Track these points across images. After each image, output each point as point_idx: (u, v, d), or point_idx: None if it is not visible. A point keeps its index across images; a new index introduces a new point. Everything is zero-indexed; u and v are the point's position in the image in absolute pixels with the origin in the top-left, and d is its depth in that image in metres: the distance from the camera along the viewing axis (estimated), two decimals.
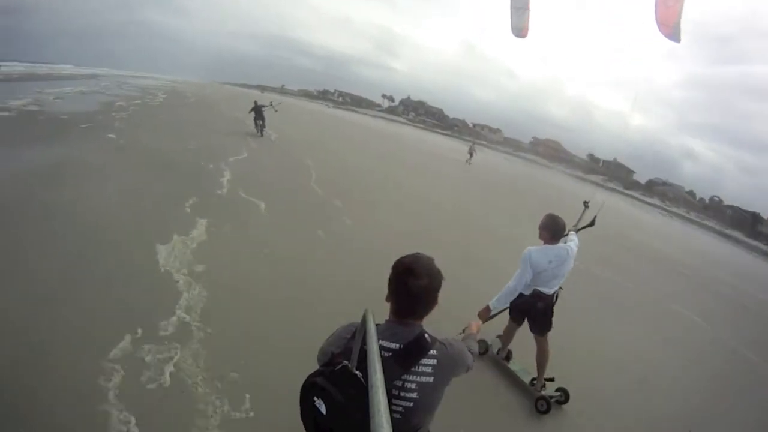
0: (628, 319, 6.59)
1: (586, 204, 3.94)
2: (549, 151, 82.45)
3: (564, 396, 3.57)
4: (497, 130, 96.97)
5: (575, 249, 3.29)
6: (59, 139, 10.47)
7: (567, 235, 3.42)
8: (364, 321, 1.23)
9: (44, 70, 37.20)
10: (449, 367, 1.39)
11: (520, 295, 3.32)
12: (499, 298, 3.24)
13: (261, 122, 15.93)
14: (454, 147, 42.91)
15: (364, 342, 1.19)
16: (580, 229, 3.74)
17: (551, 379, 3.58)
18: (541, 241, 3.29)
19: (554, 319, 3.48)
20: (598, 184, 49.26)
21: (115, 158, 9.56)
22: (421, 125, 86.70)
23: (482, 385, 3.65)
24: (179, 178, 8.83)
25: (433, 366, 1.35)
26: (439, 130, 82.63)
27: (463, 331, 1.98)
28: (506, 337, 3.81)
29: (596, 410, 3.74)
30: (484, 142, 71.19)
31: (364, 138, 28.83)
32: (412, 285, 1.35)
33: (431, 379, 1.34)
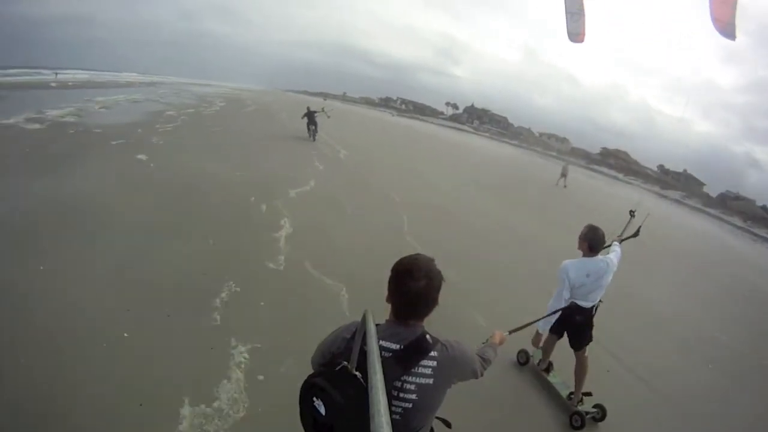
0: (686, 350, 5.51)
1: (632, 213, 3.84)
2: (620, 163, 74.84)
3: (601, 413, 3.43)
4: (564, 140, 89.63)
5: (616, 261, 3.17)
6: (74, 163, 7.94)
7: (610, 245, 3.29)
8: (364, 321, 1.23)
9: (106, 78, 37.47)
10: (450, 368, 1.36)
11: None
12: (545, 321, 3.16)
13: (313, 127, 15.82)
14: (530, 161, 38.37)
15: (364, 342, 1.19)
16: (624, 240, 3.55)
17: (589, 394, 3.46)
18: (580, 252, 3.16)
19: (606, 335, 3.88)
20: (679, 201, 44.92)
21: (129, 197, 6.64)
22: (487, 134, 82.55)
23: (519, 395, 3.58)
24: (212, 232, 5.70)
25: (432, 368, 1.32)
26: (506, 140, 77.70)
27: (487, 341, 1.95)
28: (546, 348, 3.62)
29: None
30: (554, 153, 66.07)
31: (439, 151, 25.30)
32: (412, 286, 1.32)
33: (431, 381, 1.31)
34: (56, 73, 31.98)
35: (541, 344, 3.47)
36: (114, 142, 10.63)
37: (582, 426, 3.30)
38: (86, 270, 4.21)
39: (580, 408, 3.37)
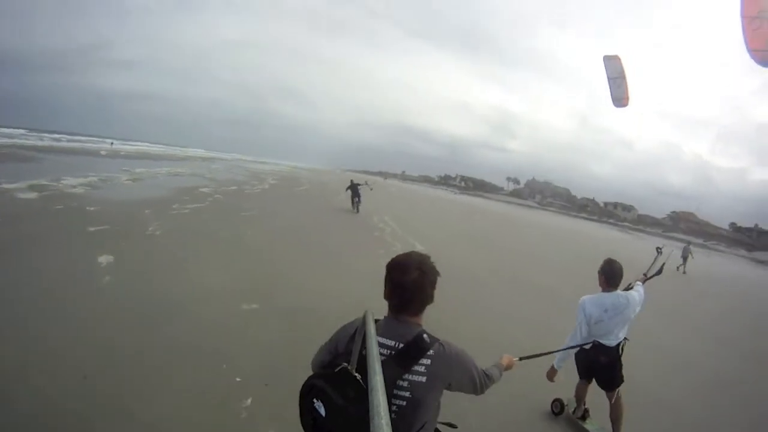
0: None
1: (658, 249, 3.80)
2: (691, 226, 70.48)
3: None
4: (630, 207, 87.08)
5: (638, 298, 3.00)
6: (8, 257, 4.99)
7: (631, 287, 3.13)
8: (364, 322, 1.23)
9: (167, 151, 38.24)
10: (442, 368, 1.31)
11: (582, 349, 3.05)
12: (561, 356, 3.03)
13: (357, 199, 15.90)
14: (610, 237, 32.62)
15: (363, 344, 1.18)
16: (648, 279, 3.42)
17: None
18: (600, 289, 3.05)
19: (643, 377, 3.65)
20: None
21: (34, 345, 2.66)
22: (553, 209, 79.04)
23: None
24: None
25: (426, 366, 1.28)
26: (574, 213, 74.20)
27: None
28: (579, 394, 3.41)
29: None
30: (627, 224, 60.37)
31: (523, 237, 20.07)
32: (402, 280, 1.31)
33: (423, 379, 1.28)
34: (112, 143, 32.16)
35: (554, 379, 3.10)
36: (92, 228, 7.25)
37: None
38: None
39: None
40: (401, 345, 1.29)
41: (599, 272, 3.00)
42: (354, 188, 15.86)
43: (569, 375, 3.31)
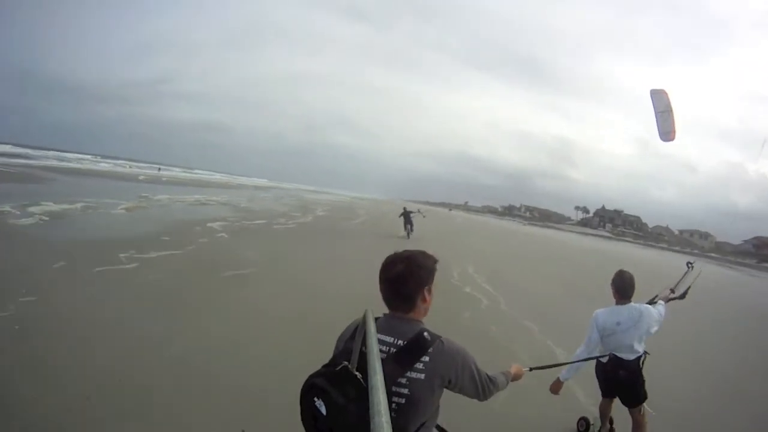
0: None
1: (689, 265, 3.52)
2: None
3: None
4: (707, 235, 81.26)
5: (655, 314, 2.88)
6: None
7: (654, 302, 3.05)
8: (364, 321, 1.20)
9: (218, 179, 37.05)
10: (441, 363, 1.29)
11: (600, 364, 3.00)
12: (569, 369, 2.96)
13: (409, 226, 15.97)
14: (728, 276, 25.83)
15: (364, 343, 1.16)
16: (671, 299, 3.20)
17: None
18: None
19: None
20: None
21: None
22: (628, 239, 72.38)
23: None
24: None
25: (425, 362, 1.27)
26: (651, 243, 66.58)
27: None
28: (603, 412, 3.30)
29: None
30: (711, 254, 53.55)
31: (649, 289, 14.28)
32: (388, 275, 1.33)
33: (422, 376, 1.26)
34: (159, 168, 31.04)
35: (559, 392, 3.03)
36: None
37: None
38: None
39: None
40: (400, 342, 1.28)
41: (611, 284, 2.92)
42: (407, 215, 16.28)
43: (595, 393, 3.18)
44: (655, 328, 2.85)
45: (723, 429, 3.83)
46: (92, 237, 7.68)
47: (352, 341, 1.24)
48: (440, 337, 1.31)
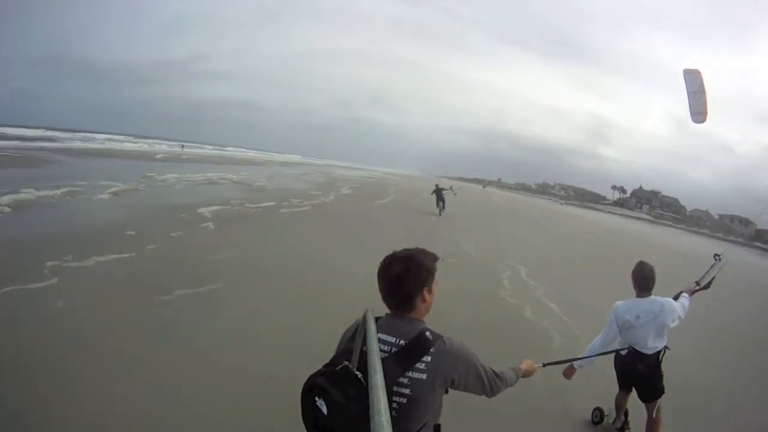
0: None
1: (716, 257, 3.41)
2: None
3: None
4: (748, 221, 73.82)
5: (677, 308, 2.79)
6: None
7: (678, 297, 2.94)
8: (364, 321, 1.23)
9: (245, 155, 36.14)
10: (443, 363, 1.27)
11: (618, 356, 2.96)
12: (583, 358, 2.91)
13: (442, 204, 16.06)
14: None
15: (364, 342, 1.18)
16: (695, 292, 3.08)
17: None
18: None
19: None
20: None
21: None
22: (666, 221, 68.70)
23: None
24: None
25: (426, 363, 1.26)
26: (693, 228, 61.75)
27: None
28: (619, 405, 3.26)
29: None
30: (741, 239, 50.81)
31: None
32: (386, 273, 1.31)
33: (424, 376, 1.25)
34: (182, 146, 30.27)
35: (572, 377, 2.96)
36: None
37: None
38: None
39: None
40: (401, 341, 1.27)
41: (631, 276, 2.87)
42: (439, 192, 16.30)
43: (611, 384, 3.15)
44: (675, 323, 2.77)
45: None
46: (32, 235, 6.20)
47: (353, 341, 1.25)
48: (442, 336, 1.30)
